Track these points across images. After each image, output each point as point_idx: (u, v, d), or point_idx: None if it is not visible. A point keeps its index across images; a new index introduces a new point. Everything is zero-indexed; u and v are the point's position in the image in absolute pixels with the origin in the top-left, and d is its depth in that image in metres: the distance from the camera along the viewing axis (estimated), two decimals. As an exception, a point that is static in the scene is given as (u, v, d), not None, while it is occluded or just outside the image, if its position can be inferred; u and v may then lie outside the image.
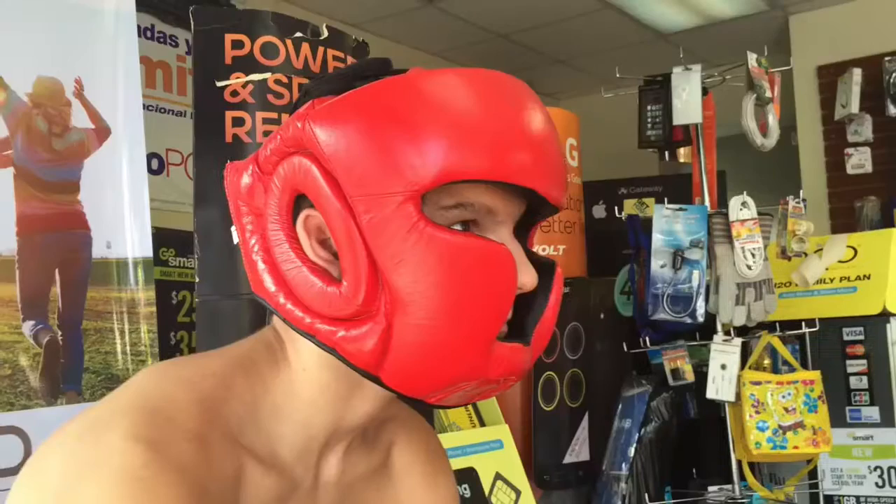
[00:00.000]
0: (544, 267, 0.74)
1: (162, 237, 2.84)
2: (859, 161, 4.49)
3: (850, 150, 4.52)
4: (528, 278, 0.68)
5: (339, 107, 0.64)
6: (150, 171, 3.68)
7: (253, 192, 0.69)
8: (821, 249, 2.74)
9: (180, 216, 3.05)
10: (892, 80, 4.29)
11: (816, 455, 2.35)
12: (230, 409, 0.65)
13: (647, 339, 2.46)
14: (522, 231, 0.75)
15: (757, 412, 2.23)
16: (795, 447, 2.21)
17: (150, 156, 3.65)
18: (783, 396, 2.24)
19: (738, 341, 2.32)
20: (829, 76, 4.64)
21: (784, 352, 2.35)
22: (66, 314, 1.50)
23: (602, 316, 2.67)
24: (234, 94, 1.63)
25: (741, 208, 2.24)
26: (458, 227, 0.66)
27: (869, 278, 2.66)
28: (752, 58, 2.32)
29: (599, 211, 3.34)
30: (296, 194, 0.66)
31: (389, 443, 0.84)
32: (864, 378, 2.62)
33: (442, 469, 0.90)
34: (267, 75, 1.60)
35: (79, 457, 0.59)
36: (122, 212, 1.59)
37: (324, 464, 0.73)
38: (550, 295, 0.72)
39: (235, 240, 0.71)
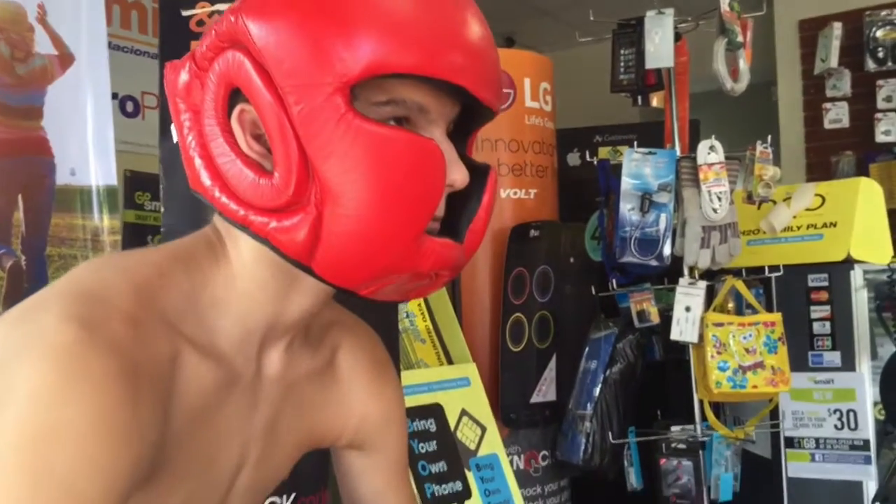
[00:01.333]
0: (480, 171, 0.75)
1: (137, 181, 2.84)
2: (837, 116, 4.52)
3: (828, 105, 4.55)
4: (458, 175, 0.69)
5: (272, 0, 0.65)
6: (125, 113, 3.67)
7: (190, 88, 0.70)
8: (789, 198, 2.77)
9: (155, 160, 3.05)
10: (871, 35, 4.30)
11: (776, 395, 2.40)
12: (167, 297, 0.67)
13: (615, 282, 2.50)
14: (462, 137, 0.77)
15: (718, 352, 2.27)
16: (755, 386, 2.26)
17: (125, 98, 3.63)
18: (744, 337, 2.28)
19: (702, 284, 2.35)
20: (811, 30, 4.64)
21: (748, 295, 2.39)
22: (29, 240, 1.51)
23: (572, 260, 2.70)
24: (200, 23, 1.63)
25: (709, 152, 2.27)
26: (391, 123, 0.67)
27: (835, 226, 2.69)
28: (724, 2, 2.32)
29: (574, 158, 3.36)
30: (230, 88, 0.67)
31: (334, 346, 0.87)
32: (828, 324, 2.67)
33: (387, 375, 0.92)
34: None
35: (13, 337, 0.61)
36: (87, 140, 1.60)
37: (265, 359, 0.76)
38: (483, 196, 0.74)
39: (175, 139, 0.72)
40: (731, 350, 2.27)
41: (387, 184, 0.64)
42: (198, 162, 0.68)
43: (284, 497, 1.72)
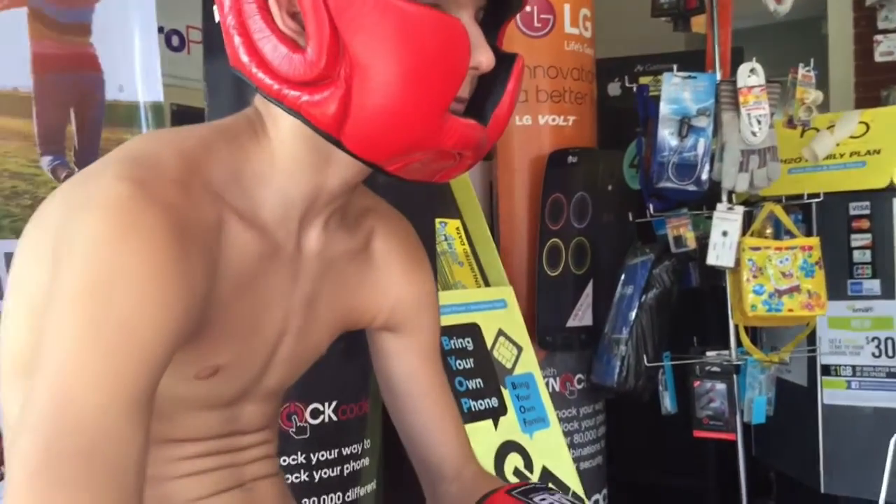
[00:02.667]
0: (509, 60, 0.78)
1: (183, 115, 2.90)
2: (888, 48, 4.40)
3: (878, 38, 4.43)
4: (484, 58, 0.72)
5: None
6: (171, 47, 3.72)
7: (231, -30, 0.73)
8: (833, 126, 2.74)
9: (201, 94, 3.10)
10: (926, -37, 4.17)
11: (811, 319, 2.41)
12: (212, 168, 0.72)
13: (652, 208, 2.51)
14: (494, 29, 0.80)
15: (754, 276, 2.29)
16: (790, 310, 2.27)
17: (171, 32, 3.67)
18: (781, 262, 2.29)
19: (740, 209, 2.36)
20: (862, -40, 4.51)
21: (785, 219, 2.39)
22: (81, 152, 1.57)
23: (610, 188, 2.71)
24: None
25: (749, 75, 2.25)
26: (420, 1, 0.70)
27: (879, 153, 2.66)
28: (769, -78, 2.28)
29: (615, 89, 3.34)
30: None
31: (370, 231, 0.91)
32: (868, 252, 2.66)
33: (420, 261, 0.97)
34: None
35: (74, 197, 0.66)
36: (133, 56, 1.65)
37: (305, 235, 0.80)
38: (509, 82, 0.77)
39: (217, 18, 0.76)
40: (768, 274, 2.28)
41: (413, 60, 0.67)
42: (237, 40, 0.72)
43: (326, 404, 1.80)
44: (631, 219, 2.63)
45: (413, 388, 0.97)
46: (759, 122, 2.23)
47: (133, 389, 0.60)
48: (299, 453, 1.74)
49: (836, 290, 2.64)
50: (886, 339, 2.62)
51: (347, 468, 1.82)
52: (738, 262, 2.35)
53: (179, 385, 0.74)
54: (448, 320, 2.14)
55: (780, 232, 2.47)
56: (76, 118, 1.56)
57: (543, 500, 0.87)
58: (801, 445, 2.83)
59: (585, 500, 2.50)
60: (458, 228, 2.41)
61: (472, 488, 0.93)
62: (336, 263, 0.86)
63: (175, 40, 3.69)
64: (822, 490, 2.76)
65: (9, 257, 1.44)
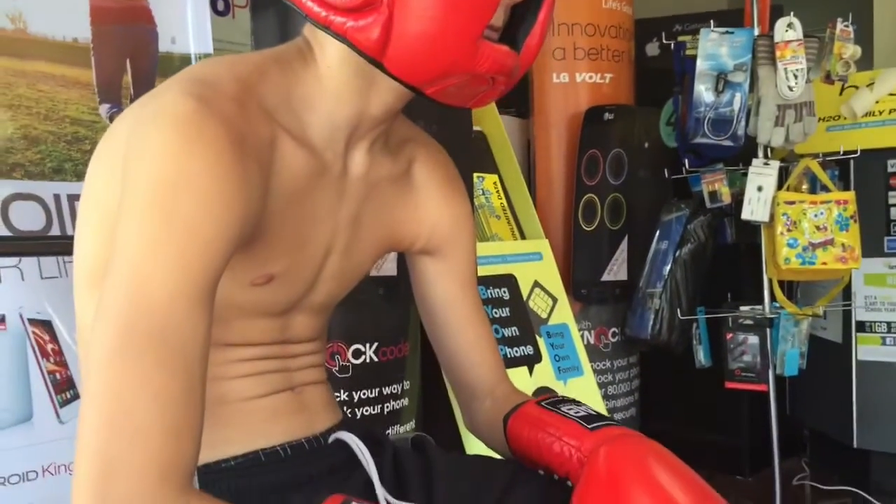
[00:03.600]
0: None
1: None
2: (936, 7, 4.31)
3: (926, -4, 4.34)
4: None
5: None
6: (216, 11, 3.79)
7: None
8: (873, 83, 2.73)
9: (245, 56, 3.18)
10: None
11: (845, 273, 2.42)
12: (265, 91, 0.78)
13: (688, 163, 2.53)
14: None
15: (788, 230, 2.31)
16: (824, 263, 2.29)
17: (216, -4, 3.75)
18: (816, 215, 2.31)
19: (775, 164, 2.37)
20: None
21: (821, 174, 2.40)
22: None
23: (646, 145, 2.74)
24: None
25: (787, 29, 2.25)
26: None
27: (919, 110, 2.65)
28: None
29: (653, 48, 3.34)
30: None
31: (410, 158, 0.98)
32: (906, 208, 2.66)
33: (458, 190, 1.03)
34: None
35: (142, 114, 0.74)
36: (185, 10, 1.72)
37: (350, 157, 0.87)
38: (540, 13, 0.82)
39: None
40: (802, 227, 2.30)
41: None
42: (288, -26, 0.78)
43: (368, 345, 1.88)
44: (666, 175, 2.66)
45: (451, 312, 1.04)
46: (795, 77, 2.24)
47: (199, 282, 0.68)
48: (342, 391, 1.83)
49: (873, 247, 2.65)
50: (923, 295, 2.63)
51: (388, 407, 1.90)
52: (772, 217, 2.37)
53: (237, 291, 0.81)
54: (485, 271, 2.21)
55: (815, 188, 2.48)
56: (132, 68, 1.64)
57: (570, 409, 0.94)
58: (835, 402, 2.85)
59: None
60: (495, 183, 2.46)
61: (504, 403, 1.00)
62: (379, 187, 0.92)
63: (220, 4, 3.76)
64: (855, 445, 2.79)
65: (71, 199, 1.53)
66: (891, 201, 2.68)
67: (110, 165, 0.76)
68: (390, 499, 0.85)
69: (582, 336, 2.59)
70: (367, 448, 0.90)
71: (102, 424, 0.62)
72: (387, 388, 1.90)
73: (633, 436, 0.88)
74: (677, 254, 2.56)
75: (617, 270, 2.66)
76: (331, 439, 0.90)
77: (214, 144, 0.69)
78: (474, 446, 1.51)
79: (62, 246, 1.41)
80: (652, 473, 0.82)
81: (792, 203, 2.33)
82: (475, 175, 2.37)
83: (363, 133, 0.86)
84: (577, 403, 0.96)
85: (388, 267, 1.90)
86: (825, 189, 2.47)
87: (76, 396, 1.45)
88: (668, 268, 2.56)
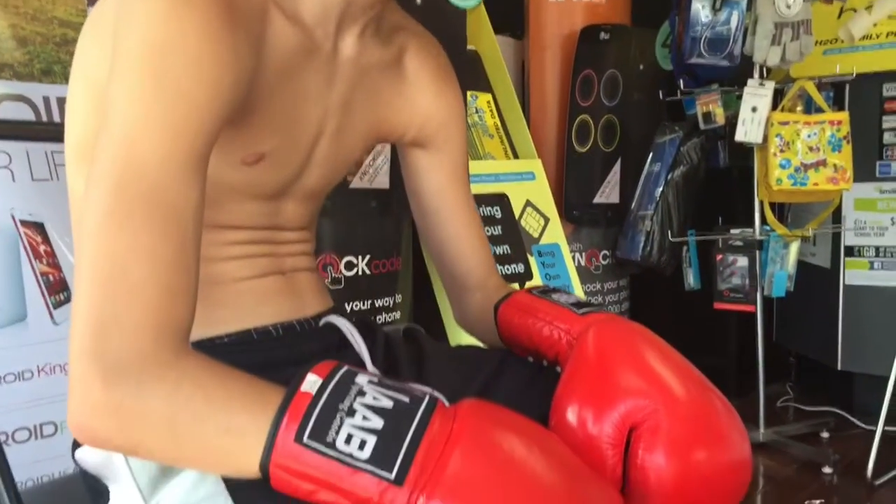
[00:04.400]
0: None
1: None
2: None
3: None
4: None
5: None
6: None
7: None
8: (871, 6, 2.70)
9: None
10: None
11: (836, 194, 2.43)
12: None
13: (683, 84, 2.52)
14: None
15: (781, 151, 2.31)
16: (815, 184, 2.30)
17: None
18: (809, 136, 2.30)
19: (770, 84, 2.36)
20: None
21: (816, 95, 2.39)
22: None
23: (641, 67, 2.72)
24: None
25: (786, -55, 2.22)
26: None
27: (917, 32, 2.63)
28: None
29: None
30: None
31: (402, 47, 0.97)
32: (899, 133, 2.66)
33: (450, 81, 1.02)
34: None
35: None
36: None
37: (341, 39, 0.86)
38: None
39: None
40: (795, 148, 2.30)
41: None
42: None
43: (360, 258, 1.88)
44: (661, 97, 2.64)
45: (441, 204, 1.04)
46: (793, -6, 2.21)
47: (190, 146, 0.67)
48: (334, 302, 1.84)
49: (865, 172, 2.65)
50: (912, 219, 2.64)
51: (379, 319, 1.92)
52: (765, 138, 2.37)
53: (228, 170, 0.81)
54: (477, 189, 2.19)
55: (810, 111, 2.48)
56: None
57: (561, 297, 0.95)
58: (821, 326, 2.90)
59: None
60: (489, 102, 2.44)
61: (495, 294, 1.01)
62: (370, 73, 0.92)
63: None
64: (839, 367, 2.85)
65: (61, 102, 1.52)
66: (884, 126, 2.68)
67: (100, 40, 0.75)
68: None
69: (573, 258, 2.61)
70: (359, 333, 0.91)
71: (96, 285, 0.63)
72: (378, 301, 1.92)
73: (623, 320, 0.89)
74: (669, 176, 2.57)
75: (609, 193, 2.67)
76: (322, 322, 0.91)
77: (204, 8, 0.68)
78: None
79: (52, 132, 1.39)
80: (640, 353, 0.83)
81: (786, 123, 2.32)
82: (468, 93, 2.35)
83: (355, 15, 0.85)
84: (568, 293, 0.97)
85: (381, 180, 1.89)
86: (819, 111, 2.46)
87: (69, 299, 1.46)
88: (660, 190, 2.56)
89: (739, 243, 2.47)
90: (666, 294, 2.87)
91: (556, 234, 2.38)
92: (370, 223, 1.90)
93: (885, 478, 2.30)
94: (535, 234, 2.33)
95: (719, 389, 0.84)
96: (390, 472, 0.59)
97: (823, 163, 2.30)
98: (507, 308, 0.96)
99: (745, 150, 2.50)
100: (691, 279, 2.66)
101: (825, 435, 2.68)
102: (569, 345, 0.88)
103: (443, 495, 0.59)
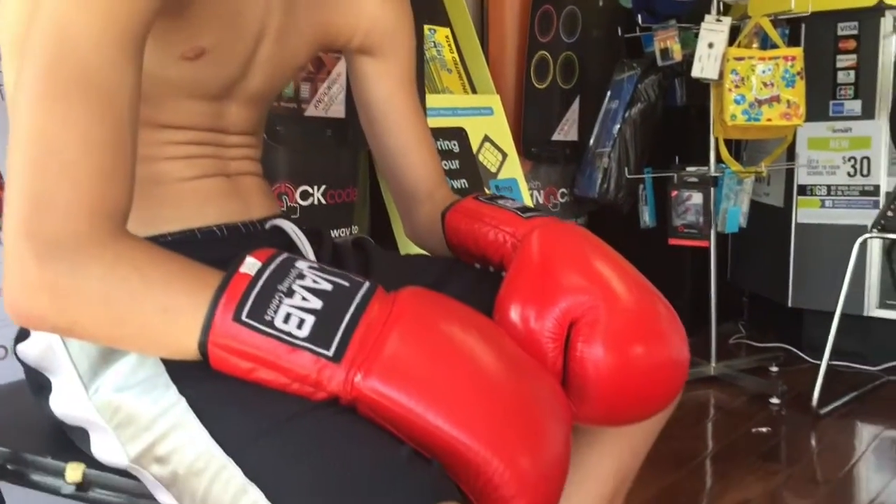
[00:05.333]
0: None
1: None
2: None
3: None
4: None
5: None
6: None
7: None
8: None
9: None
10: None
11: (789, 130, 2.46)
12: None
13: (641, 19, 2.52)
14: None
15: (736, 86, 2.33)
16: (769, 119, 2.33)
17: None
18: (763, 71, 2.32)
19: (727, 20, 2.37)
20: None
21: (771, 31, 2.41)
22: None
23: (601, 3, 2.71)
24: None
25: None
26: None
27: (872, -29, 2.65)
28: None
29: None
30: None
31: None
32: (852, 73, 2.69)
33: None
34: None
35: None
36: None
37: None
38: None
39: None
40: (750, 83, 2.32)
41: None
42: None
43: (316, 188, 1.87)
44: (620, 33, 2.64)
45: (389, 111, 1.03)
46: (751, -72, 2.21)
47: (124, 27, 0.66)
48: (289, 232, 1.83)
49: (818, 111, 2.69)
50: (863, 158, 2.69)
51: (335, 249, 1.91)
52: (721, 75, 2.38)
53: (168, 65, 0.80)
54: (435, 123, 2.19)
55: (765, 48, 2.49)
56: None
57: (507, 203, 0.95)
58: (774, 265, 2.95)
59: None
60: (447, 36, 2.42)
61: (443, 204, 1.01)
62: None
63: None
64: (790, 304, 2.91)
65: None
66: (838, 65, 2.71)
67: None
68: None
69: (532, 196, 2.62)
70: (307, 239, 0.91)
71: (28, 163, 0.62)
72: (335, 232, 1.91)
73: (568, 223, 0.90)
74: (627, 114, 2.58)
75: (568, 130, 2.67)
76: (268, 226, 0.91)
77: None
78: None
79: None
80: (584, 254, 0.84)
81: (741, 59, 2.34)
82: (426, 27, 2.33)
83: None
84: (514, 200, 0.97)
85: (337, 109, 1.88)
86: (775, 48, 2.48)
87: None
88: (617, 127, 2.58)
89: (694, 180, 2.50)
90: (622, 233, 2.88)
91: (513, 169, 2.39)
92: (326, 152, 1.89)
93: (829, 407, 2.38)
94: (493, 169, 2.33)
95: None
96: (328, 349, 0.60)
97: (777, 98, 2.32)
98: (453, 214, 0.96)
99: (703, 89, 2.52)
100: (647, 217, 2.69)
101: (774, 369, 2.75)
102: (514, 248, 0.89)
103: (380, 373, 0.60)
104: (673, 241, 2.56)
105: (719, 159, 2.52)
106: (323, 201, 1.88)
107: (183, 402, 0.62)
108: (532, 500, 0.61)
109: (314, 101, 1.82)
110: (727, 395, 2.55)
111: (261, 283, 0.62)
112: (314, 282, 0.63)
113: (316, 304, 0.62)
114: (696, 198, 2.49)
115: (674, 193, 2.52)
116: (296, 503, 0.54)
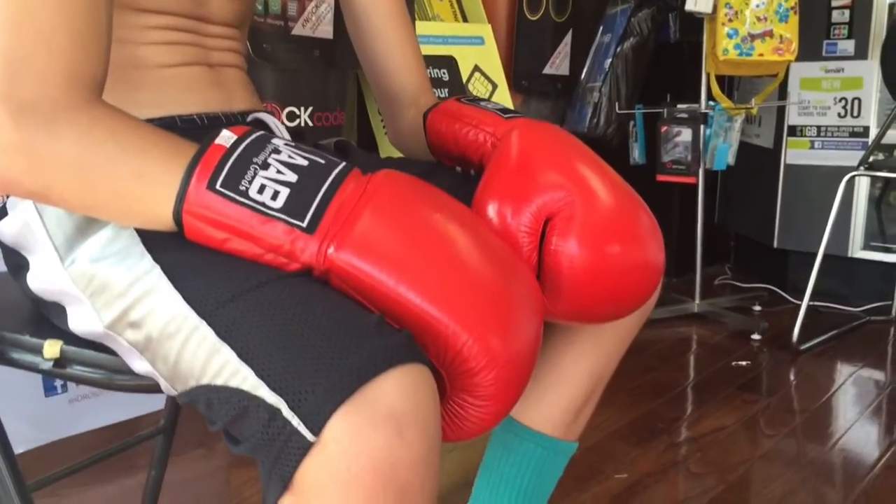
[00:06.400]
0: None
1: None
2: None
3: None
4: None
5: None
6: None
7: None
8: None
9: None
10: None
11: (781, 66, 2.45)
12: None
13: (636, -48, 2.48)
14: None
15: (730, 20, 2.31)
16: (761, 54, 2.32)
17: None
18: (757, 5, 2.30)
19: (723, -47, 2.34)
20: None
21: (768, -34, 2.38)
22: None
23: (596, -66, 2.67)
24: None
25: None
26: None
27: None
28: None
29: None
30: None
31: None
32: (847, 12, 2.67)
33: None
34: None
35: None
36: None
37: None
38: None
39: None
40: (743, 17, 2.30)
41: None
42: None
43: (303, 109, 1.86)
44: (614, -34, 2.61)
45: (373, 12, 1.02)
46: None
47: None
48: (276, 153, 1.83)
49: (811, 51, 2.68)
50: (854, 99, 2.69)
51: (322, 172, 1.91)
52: (715, 8, 2.36)
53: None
54: (425, 51, 2.16)
55: (761, -17, 2.47)
56: None
57: (489, 104, 0.95)
58: (761, 206, 2.97)
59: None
60: (439, -37, 2.39)
61: (427, 108, 1.01)
62: None
63: None
64: (776, 245, 2.93)
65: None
66: (833, 4, 2.69)
67: None
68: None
69: (521, 129, 2.60)
70: (289, 135, 0.90)
71: (4, 29, 0.61)
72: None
73: (550, 124, 0.90)
74: (619, 48, 2.56)
75: (559, 64, 2.65)
76: (249, 118, 0.91)
77: None
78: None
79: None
80: (564, 152, 0.84)
81: (735, -8, 2.31)
82: (419, -47, 2.30)
83: None
84: (495, 103, 0.97)
85: (324, 29, 1.86)
86: (771, -16, 2.45)
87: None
88: (609, 61, 2.56)
89: (684, 116, 2.49)
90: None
91: (504, 100, 2.37)
92: (313, 73, 1.87)
93: (809, 344, 2.41)
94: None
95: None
96: (302, 221, 0.60)
97: (770, 33, 2.30)
98: (435, 115, 0.96)
99: (696, 25, 2.50)
100: (637, 154, 2.69)
101: (757, 308, 2.78)
102: (493, 146, 0.89)
103: (354, 245, 0.60)
104: (661, 178, 2.56)
105: (711, 96, 2.51)
106: (310, 123, 1.87)
107: (157, 268, 0.63)
108: (499, 376, 0.62)
109: (301, 20, 1.80)
110: (709, 332, 2.58)
111: (236, 154, 0.62)
112: (290, 157, 0.64)
113: (291, 177, 0.62)
114: (686, 134, 2.49)
115: (663, 129, 2.51)
116: (265, 361, 0.55)
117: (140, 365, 0.65)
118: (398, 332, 0.58)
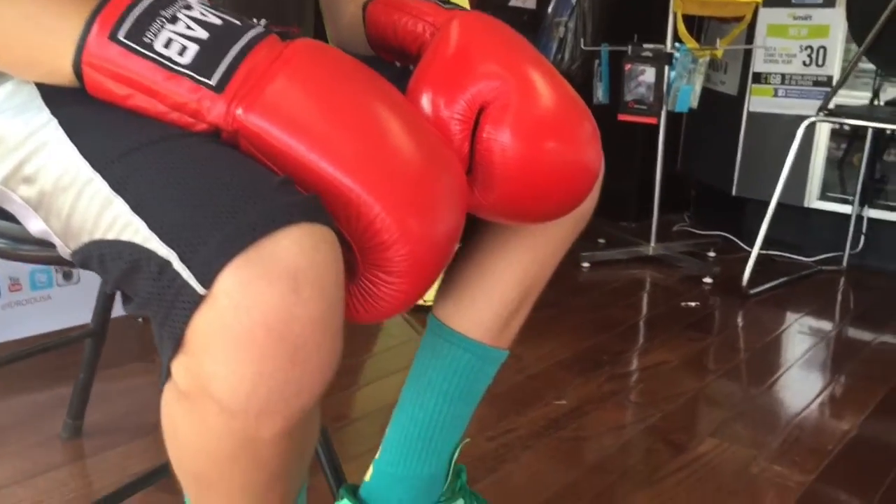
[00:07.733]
0: None
1: None
2: None
3: None
4: None
5: None
6: None
7: None
8: None
9: None
10: None
11: (748, 9, 2.43)
12: None
13: None
14: None
15: (699, -43, 2.28)
16: (728, -6, 2.29)
17: None
18: (728, -56, 2.27)
19: None
20: None
21: None
22: None
23: None
24: None
25: None
26: None
27: None
28: None
29: None
30: None
31: None
32: (818, -43, 2.65)
33: None
34: None
35: None
36: None
37: None
38: None
39: None
40: (713, -45, 2.26)
41: None
42: None
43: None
44: None
45: None
46: None
47: None
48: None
49: (780, -1, 2.66)
50: (819, 47, 2.67)
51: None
52: (686, -54, 2.32)
53: None
54: None
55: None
56: None
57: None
58: (722, 153, 2.96)
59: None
60: None
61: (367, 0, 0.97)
62: None
63: None
64: (734, 193, 2.94)
65: None
66: (806, -50, 2.66)
67: None
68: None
69: (485, 62, 2.56)
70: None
71: None
72: (274, 70, 1.85)
73: (490, 17, 0.87)
74: (588, -18, 2.51)
75: (526, -3, 2.60)
76: None
77: None
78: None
79: None
80: (502, 43, 0.81)
81: (707, -70, 2.28)
82: None
83: None
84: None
85: (281, -62, 1.79)
86: (743, -75, 2.42)
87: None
88: (576, -4, 2.51)
89: (649, 54, 2.47)
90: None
91: (467, 29, 2.32)
92: (268, -15, 1.81)
93: (758, 289, 2.43)
94: (445, 27, 2.27)
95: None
96: (210, 79, 0.57)
97: (739, -27, 2.27)
98: (375, 6, 0.93)
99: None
100: (600, 94, 2.66)
101: (711, 254, 2.80)
102: (432, 36, 0.86)
103: (263, 108, 0.58)
104: (622, 117, 2.54)
105: (677, 37, 2.48)
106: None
107: (54, 121, 0.60)
108: (412, 252, 0.59)
109: (257, -73, 1.73)
110: (662, 275, 2.59)
111: (142, 4, 0.58)
112: (202, 14, 0.60)
113: (202, 34, 0.59)
114: (650, 73, 2.46)
115: (627, 67, 2.48)
116: (158, 214, 0.53)
117: (35, 224, 0.62)
118: (304, 194, 0.56)
